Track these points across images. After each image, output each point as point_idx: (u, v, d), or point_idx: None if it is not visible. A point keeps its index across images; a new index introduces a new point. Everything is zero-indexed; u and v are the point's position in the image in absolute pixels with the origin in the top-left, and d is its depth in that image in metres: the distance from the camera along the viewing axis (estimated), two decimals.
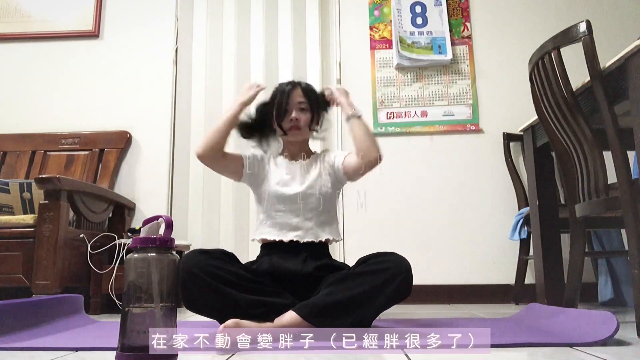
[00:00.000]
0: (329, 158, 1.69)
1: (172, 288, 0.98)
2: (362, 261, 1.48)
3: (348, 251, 2.70)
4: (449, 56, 2.80)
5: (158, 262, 0.96)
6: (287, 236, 1.57)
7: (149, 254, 0.96)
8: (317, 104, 1.67)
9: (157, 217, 1.01)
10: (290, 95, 1.62)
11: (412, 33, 2.86)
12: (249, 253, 2.71)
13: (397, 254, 1.46)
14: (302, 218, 1.59)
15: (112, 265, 2.23)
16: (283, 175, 1.64)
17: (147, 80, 2.92)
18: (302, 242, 1.57)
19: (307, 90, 1.66)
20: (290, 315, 1.33)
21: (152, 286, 0.94)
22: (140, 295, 0.94)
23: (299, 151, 1.70)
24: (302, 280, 1.51)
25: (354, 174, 1.64)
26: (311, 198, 1.60)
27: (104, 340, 1.30)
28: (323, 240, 1.60)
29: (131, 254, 0.98)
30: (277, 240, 1.58)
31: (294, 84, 1.65)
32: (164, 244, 0.97)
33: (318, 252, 1.59)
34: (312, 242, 1.57)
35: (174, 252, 1.00)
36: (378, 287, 1.38)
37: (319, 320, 1.32)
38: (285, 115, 1.61)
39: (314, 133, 1.72)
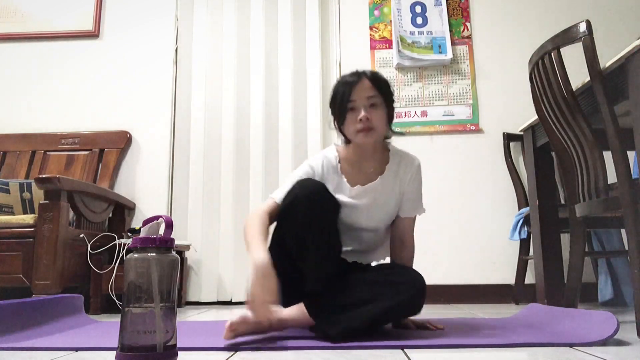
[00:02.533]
0: (407, 184, 1.45)
1: (172, 288, 0.98)
2: (386, 267, 1.42)
3: None
4: (449, 56, 2.80)
5: (158, 262, 0.96)
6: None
7: (149, 254, 0.96)
8: (391, 96, 1.39)
9: (157, 217, 1.01)
10: (354, 88, 1.33)
11: (412, 33, 2.86)
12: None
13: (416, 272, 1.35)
14: (357, 243, 1.45)
15: (112, 265, 2.23)
16: (346, 196, 1.40)
17: (147, 80, 2.92)
18: (348, 261, 1.45)
19: (377, 80, 1.36)
20: (300, 310, 1.28)
21: (152, 286, 0.94)
22: (140, 295, 0.94)
23: (370, 160, 1.43)
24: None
25: (391, 225, 1.50)
26: (377, 231, 1.46)
27: (104, 340, 1.30)
28: (370, 263, 1.51)
29: (131, 254, 0.98)
30: None
31: (359, 75, 1.35)
32: (164, 244, 0.97)
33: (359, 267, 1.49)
34: (356, 263, 1.47)
35: (174, 252, 1.00)
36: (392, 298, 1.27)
37: (329, 324, 1.25)
38: (350, 114, 1.33)
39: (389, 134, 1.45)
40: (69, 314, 1.63)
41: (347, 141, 1.42)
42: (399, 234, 1.50)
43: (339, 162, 1.43)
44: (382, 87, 1.36)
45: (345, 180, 1.42)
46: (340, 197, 1.38)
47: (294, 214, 1.28)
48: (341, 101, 1.34)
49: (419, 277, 1.32)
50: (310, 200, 1.26)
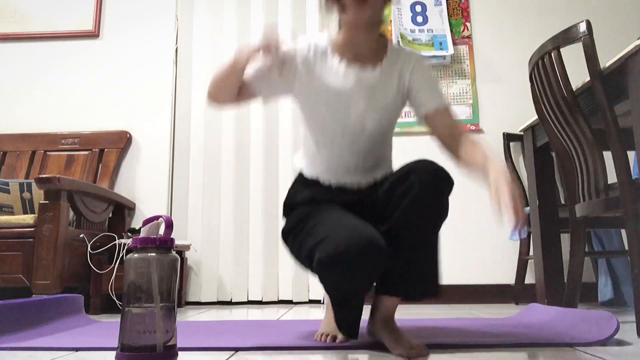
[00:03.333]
0: (410, 76, 1.27)
1: (172, 288, 0.98)
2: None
3: None
4: (451, 51, 2.79)
5: (158, 262, 0.96)
6: (342, 179, 1.27)
7: (149, 254, 0.96)
8: None
9: (157, 217, 1.01)
10: None
11: (412, 31, 2.86)
12: (248, 253, 2.72)
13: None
14: (359, 157, 1.27)
15: (112, 265, 2.23)
16: (338, 81, 1.23)
17: (147, 80, 2.92)
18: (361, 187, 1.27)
19: None
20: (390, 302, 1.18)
21: (152, 286, 0.94)
22: (140, 295, 0.94)
23: (364, 45, 1.25)
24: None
25: (430, 130, 1.30)
26: (378, 136, 1.29)
27: (103, 340, 1.30)
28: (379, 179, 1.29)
29: (131, 254, 0.98)
30: (326, 184, 1.27)
31: None
32: (164, 244, 0.97)
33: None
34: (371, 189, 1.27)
35: (174, 252, 1.00)
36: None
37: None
38: None
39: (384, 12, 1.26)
40: (69, 314, 1.63)
41: (339, 27, 1.29)
42: (446, 131, 1.28)
43: (330, 45, 1.28)
44: None
45: (336, 61, 1.26)
46: (331, 82, 1.23)
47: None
48: None
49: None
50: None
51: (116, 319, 1.01)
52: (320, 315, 2.10)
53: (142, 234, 0.99)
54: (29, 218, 2.12)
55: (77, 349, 1.18)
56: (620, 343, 1.17)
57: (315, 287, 2.67)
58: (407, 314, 2.02)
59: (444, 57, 2.80)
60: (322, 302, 2.66)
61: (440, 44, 2.82)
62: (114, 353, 0.95)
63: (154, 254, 0.96)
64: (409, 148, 2.78)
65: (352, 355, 1.10)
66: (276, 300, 2.67)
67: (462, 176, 2.85)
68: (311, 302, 2.67)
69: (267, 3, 2.94)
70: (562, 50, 1.58)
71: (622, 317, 1.74)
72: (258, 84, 1.28)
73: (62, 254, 2.06)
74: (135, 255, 0.97)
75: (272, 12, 2.94)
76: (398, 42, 2.81)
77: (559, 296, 1.91)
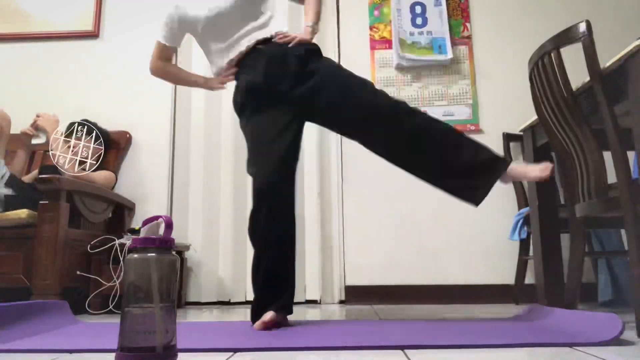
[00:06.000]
0: None
1: (172, 288, 0.97)
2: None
3: (347, 252, 2.70)
4: (449, 56, 2.80)
5: (158, 262, 0.96)
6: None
7: (148, 254, 0.96)
8: None
9: (157, 217, 1.00)
10: None
11: (412, 33, 2.86)
12: (248, 253, 2.71)
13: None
14: (239, 26, 1.71)
15: (112, 265, 2.23)
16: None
17: (147, 80, 2.90)
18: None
19: None
20: None
21: (152, 286, 0.94)
22: (139, 295, 0.94)
23: None
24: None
25: None
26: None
27: (102, 341, 1.30)
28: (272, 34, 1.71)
29: (131, 254, 0.97)
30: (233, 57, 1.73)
31: None
32: (164, 244, 0.97)
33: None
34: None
35: (174, 252, 1.00)
36: None
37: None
38: None
39: None
40: (56, 316, 1.61)
41: None
42: None
43: None
44: None
45: None
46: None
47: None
48: None
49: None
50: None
51: (116, 320, 1.01)
52: (318, 315, 2.10)
53: (142, 234, 0.99)
54: (23, 213, 2.10)
55: (71, 351, 1.17)
56: (620, 343, 1.17)
57: (311, 287, 2.67)
58: (407, 314, 2.02)
59: (442, 61, 2.80)
60: (318, 302, 2.66)
61: (440, 47, 2.83)
62: (110, 355, 0.94)
63: (153, 254, 0.96)
64: None
65: (352, 355, 1.10)
66: None
67: None
68: (308, 302, 2.67)
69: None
70: (562, 50, 1.58)
71: (622, 317, 1.74)
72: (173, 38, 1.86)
73: (62, 254, 2.06)
74: (135, 255, 0.97)
75: None
76: (397, 45, 2.81)
77: (559, 296, 1.91)
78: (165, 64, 1.93)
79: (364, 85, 1.64)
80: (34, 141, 2.28)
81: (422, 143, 1.56)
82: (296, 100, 1.63)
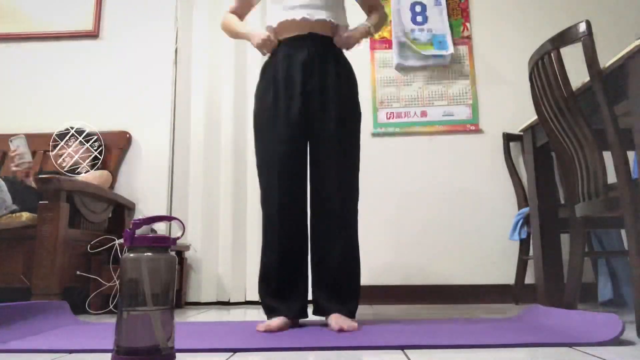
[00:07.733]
0: None
1: (170, 288, 0.97)
2: None
3: None
4: (451, 50, 2.78)
5: (154, 263, 0.95)
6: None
7: (144, 254, 0.95)
8: None
9: (157, 218, 1.00)
10: None
11: (412, 30, 2.86)
12: (247, 253, 2.71)
13: None
14: None
15: (112, 265, 2.23)
16: None
17: (147, 80, 2.92)
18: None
19: None
20: None
21: (148, 287, 0.93)
22: (136, 296, 0.93)
23: None
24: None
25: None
26: None
27: (101, 342, 1.30)
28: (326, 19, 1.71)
29: (126, 254, 0.96)
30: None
31: None
32: (161, 243, 0.96)
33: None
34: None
35: (170, 252, 0.99)
36: None
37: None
38: None
39: None
40: (56, 316, 1.61)
41: None
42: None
43: None
44: None
45: None
46: None
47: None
48: None
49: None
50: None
51: (115, 320, 1.00)
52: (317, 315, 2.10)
53: (138, 232, 0.98)
54: (25, 216, 2.10)
55: (70, 351, 1.17)
56: (620, 343, 1.17)
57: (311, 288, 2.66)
58: (407, 315, 2.02)
59: (443, 56, 2.79)
60: None
61: (440, 42, 2.82)
62: (108, 355, 0.94)
63: (149, 254, 0.95)
64: (409, 148, 2.79)
65: (352, 355, 1.10)
66: None
67: (462, 177, 2.86)
68: (308, 302, 2.66)
69: (266, 4, 2.93)
70: (562, 50, 1.58)
71: (622, 317, 1.74)
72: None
73: (62, 254, 2.06)
74: (131, 255, 0.95)
75: None
76: (398, 43, 2.81)
77: (558, 296, 1.91)
78: (230, 16, 1.90)
79: (353, 169, 1.72)
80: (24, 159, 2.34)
81: (333, 252, 1.66)
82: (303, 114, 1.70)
